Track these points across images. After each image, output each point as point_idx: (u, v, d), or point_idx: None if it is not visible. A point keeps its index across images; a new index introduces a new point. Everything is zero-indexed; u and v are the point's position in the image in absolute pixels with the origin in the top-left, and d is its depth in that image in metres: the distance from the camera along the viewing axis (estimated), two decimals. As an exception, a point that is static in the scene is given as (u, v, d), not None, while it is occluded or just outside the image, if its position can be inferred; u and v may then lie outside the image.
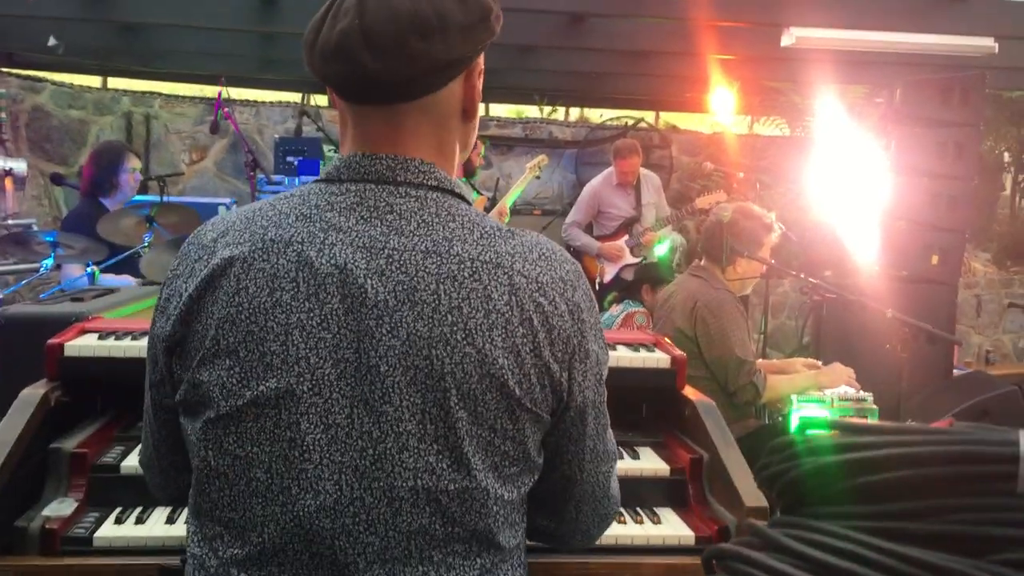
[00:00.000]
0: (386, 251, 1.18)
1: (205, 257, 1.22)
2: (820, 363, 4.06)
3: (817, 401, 3.61)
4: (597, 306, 1.33)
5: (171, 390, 1.27)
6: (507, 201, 5.90)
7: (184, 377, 1.22)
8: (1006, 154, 10.80)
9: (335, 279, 1.16)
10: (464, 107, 1.30)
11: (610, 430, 1.38)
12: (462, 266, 1.18)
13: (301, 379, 1.15)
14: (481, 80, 1.32)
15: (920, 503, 0.56)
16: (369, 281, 1.16)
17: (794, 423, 3.58)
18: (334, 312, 1.16)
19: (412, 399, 1.15)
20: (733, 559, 0.62)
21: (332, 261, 1.17)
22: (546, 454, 1.29)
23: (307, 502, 1.16)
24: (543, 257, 1.24)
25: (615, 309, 5.76)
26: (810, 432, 0.63)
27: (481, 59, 1.30)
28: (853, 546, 0.56)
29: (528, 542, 1.36)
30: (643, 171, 6.83)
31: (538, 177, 6.28)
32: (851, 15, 5.91)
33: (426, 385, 1.15)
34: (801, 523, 0.61)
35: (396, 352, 1.15)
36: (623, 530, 1.97)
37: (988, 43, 6.04)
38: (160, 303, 1.28)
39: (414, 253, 1.18)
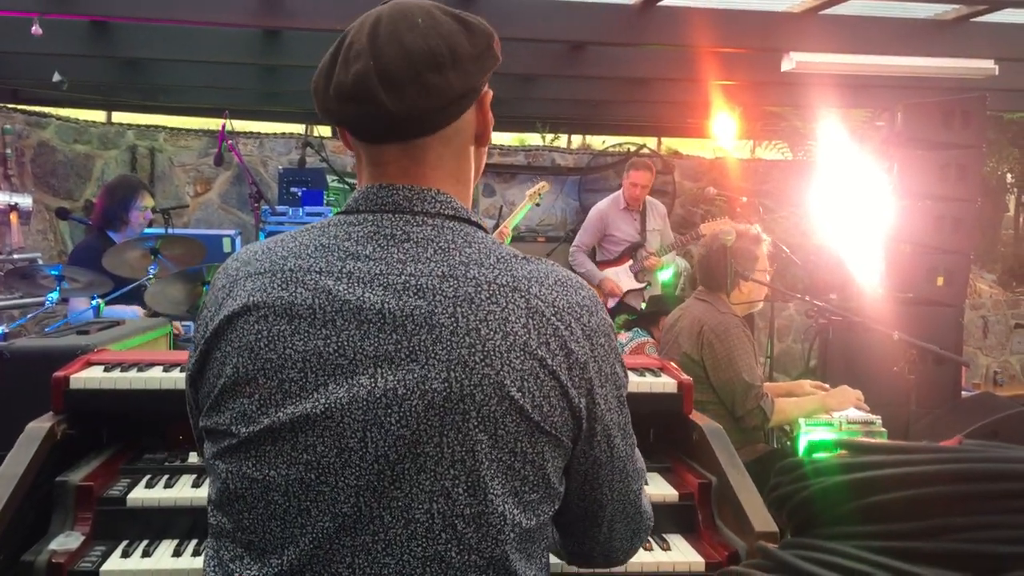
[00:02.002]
0: (403, 277, 1.19)
1: (228, 286, 1.26)
2: (827, 385, 4.04)
3: (825, 424, 3.59)
4: (615, 332, 1.33)
5: (199, 420, 1.30)
6: (509, 224, 5.90)
7: (206, 405, 1.25)
8: (1009, 175, 10.82)
9: (352, 306, 1.18)
10: (479, 133, 1.34)
11: (637, 449, 1.39)
12: (479, 289, 1.19)
13: (316, 405, 1.16)
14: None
15: (930, 522, 0.56)
16: (387, 306, 1.18)
17: (802, 447, 3.56)
18: (351, 339, 1.17)
19: (430, 422, 1.15)
20: (744, 582, 0.62)
21: (350, 289, 1.19)
22: (576, 481, 1.30)
23: (325, 524, 1.16)
24: (559, 283, 1.25)
25: (623, 336, 5.72)
26: (818, 453, 0.62)
27: (488, 88, 1.34)
28: (863, 566, 0.55)
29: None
30: (649, 199, 6.84)
31: (538, 204, 6.28)
32: (851, 39, 5.94)
33: (444, 408, 1.15)
34: (811, 544, 0.60)
35: (415, 376, 1.15)
36: (633, 557, 1.96)
37: (988, 65, 6.06)
38: (193, 335, 1.31)
39: (431, 278, 1.19)
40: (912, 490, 0.57)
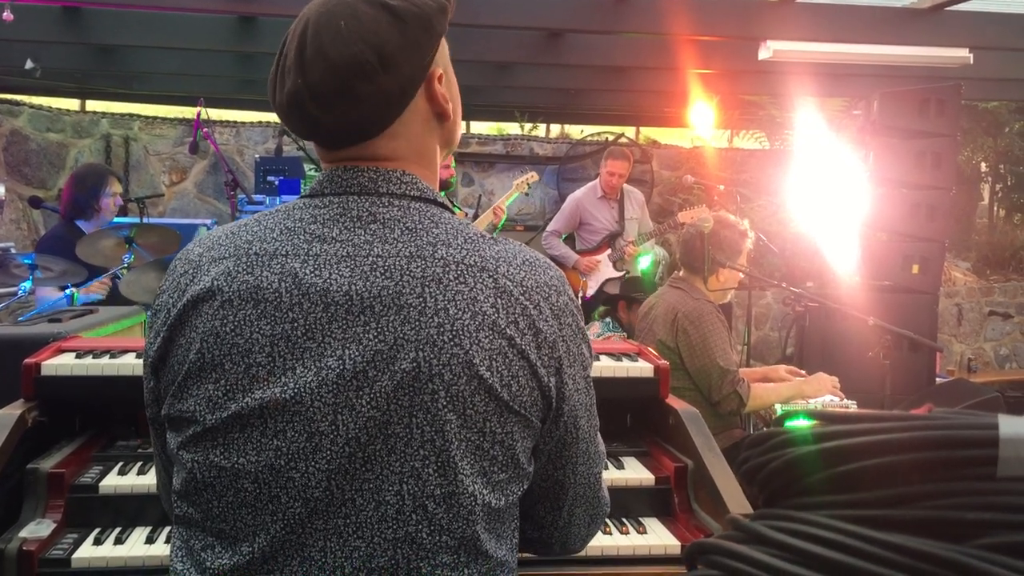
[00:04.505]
0: (370, 258, 1.18)
1: (191, 272, 1.23)
2: (802, 371, 4.07)
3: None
4: (582, 311, 1.32)
5: (159, 408, 1.26)
6: (504, 203, 5.91)
7: (169, 392, 1.22)
8: (983, 164, 10.92)
9: (319, 288, 1.16)
10: (436, 113, 1.30)
11: (599, 432, 1.38)
12: (447, 269, 1.17)
13: (285, 389, 1.14)
14: (446, 81, 1.30)
15: (900, 490, 0.56)
16: (354, 288, 1.16)
17: (779, 433, 3.58)
18: (319, 321, 1.15)
19: (400, 402, 1.14)
20: (715, 553, 0.61)
21: (316, 271, 1.17)
22: (541, 462, 1.29)
23: (297, 509, 1.15)
24: (527, 263, 1.24)
25: (595, 329, 5.72)
26: (789, 423, 0.62)
27: (438, 63, 1.28)
28: (835, 534, 0.55)
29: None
30: (627, 187, 6.85)
31: (526, 194, 6.31)
32: (827, 28, 5.96)
33: (414, 388, 1.14)
34: (782, 514, 0.60)
35: (383, 357, 1.14)
36: (609, 540, 1.96)
37: (963, 54, 6.10)
38: (149, 320, 1.28)
39: (398, 258, 1.18)
40: (881, 458, 0.57)
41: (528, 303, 1.20)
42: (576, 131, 10.32)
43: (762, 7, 5.94)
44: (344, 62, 1.17)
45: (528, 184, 6.05)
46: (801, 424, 0.63)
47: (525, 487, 1.27)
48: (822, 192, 5.77)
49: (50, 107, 8.20)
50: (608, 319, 5.95)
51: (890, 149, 5.62)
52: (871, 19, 6.03)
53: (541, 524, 1.37)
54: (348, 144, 1.25)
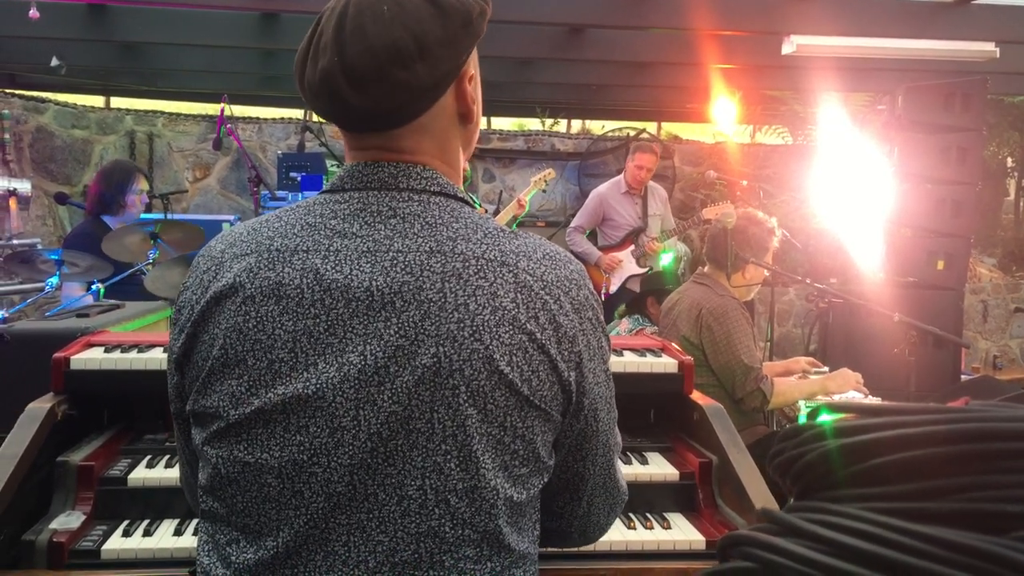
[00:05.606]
0: (391, 253, 1.18)
1: (213, 269, 1.24)
2: (822, 365, 4.05)
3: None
4: (602, 305, 1.32)
5: (183, 403, 1.28)
6: (526, 196, 5.92)
7: (194, 388, 1.23)
8: (1009, 159, 10.81)
9: (340, 285, 1.17)
10: (461, 112, 1.30)
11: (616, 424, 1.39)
12: (467, 264, 1.18)
13: (307, 385, 1.15)
14: (474, 83, 1.31)
15: (936, 482, 0.56)
16: (375, 283, 1.16)
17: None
18: (340, 317, 1.16)
19: (421, 397, 1.14)
20: (750, 545, 0.61)
21: (338, 267, 1.18)
22: (561, 454, 1.29)
23: (320, 504, 1.16)
24: (547, 257, 1.24)
25: (624, 325, 5.71)
26: (825, 415, 0.62)
27: (471, 64, 1.30)
28: (872, 527, 0.55)
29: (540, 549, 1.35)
30: (650, 184, 6.83)
31: (544, 191, 6.30)
32: (851, 22, 5.92)
33: (435, 383, 1.14)
34: (818, 507, 0.60)
35: (404, 352, 1.14)
36: (633, 535, 1.97)
37: (990, 48, 6.03)
38: (173, 316, 1.30)
39: (418, 253, 1.18)
40: (917, 451, 0.57)
41: (548, 298, 1.20)
42: (597, 127, 10.30)
43: (786, 1, 5.90)
44: (384, 45, 1.17)
45: (546, 180, 6.05)
46: (834, 418, 0.63)
47: (545, 480, 1.28)
48: (846, 188, 5.72)
49: (75, 104, 8.27)
50: (636, 315, 5.93)
51: (915, 144, 5.57)
52: (896, 13, 5.98)
53: (560, 515, 1.37)
54: (373, 129, 1.25)
